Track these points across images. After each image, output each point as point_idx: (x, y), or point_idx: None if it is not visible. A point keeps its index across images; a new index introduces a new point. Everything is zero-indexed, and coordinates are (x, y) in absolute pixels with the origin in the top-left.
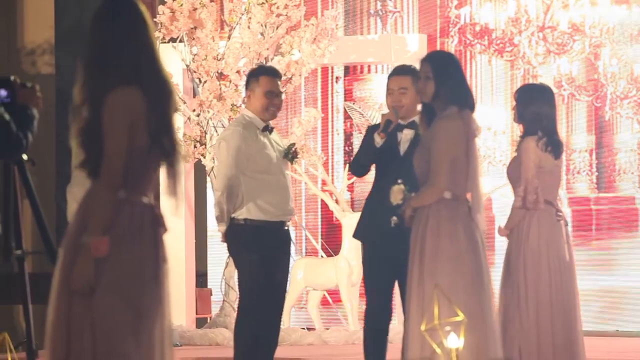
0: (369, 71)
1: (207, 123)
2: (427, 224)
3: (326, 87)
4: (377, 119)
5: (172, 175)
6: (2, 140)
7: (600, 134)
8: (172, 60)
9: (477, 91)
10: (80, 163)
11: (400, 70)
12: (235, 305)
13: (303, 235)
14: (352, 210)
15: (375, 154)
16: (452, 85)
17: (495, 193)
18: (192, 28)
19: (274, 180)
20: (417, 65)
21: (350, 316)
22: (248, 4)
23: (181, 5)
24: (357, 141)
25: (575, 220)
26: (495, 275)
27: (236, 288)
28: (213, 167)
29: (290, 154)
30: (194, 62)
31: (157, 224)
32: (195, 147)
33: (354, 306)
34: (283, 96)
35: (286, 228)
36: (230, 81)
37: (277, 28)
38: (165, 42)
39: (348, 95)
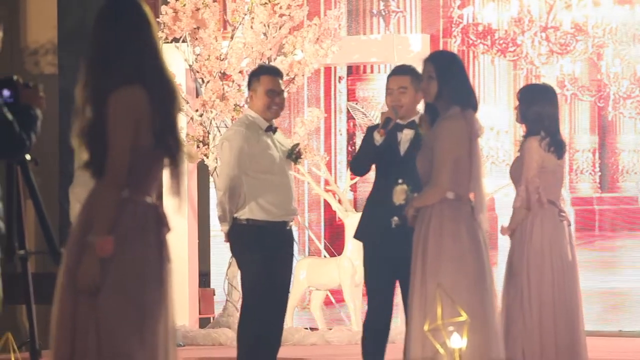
0: (371, 71)
1: (210, 123)
2: (429, 223)
3: (329, 87)
4: (379, 119)
5: (176, 175)
6: (5, 141)
7: (603, 134)
8: (175, 60)
9: (480, 91)
10: (84, 163)
11: (400, 70)
12: (238, 305)
13: (306, 235)
14: (355, 210)
15: (375, 153)
16: (455, 85)
17: (498, 193)
18: (194, 28)
19: (276, 180)
20: (420, 66)
21: (353, 316)
22: (251, 4)
23: (184, 5)
24: (359, 141)
25: (578, 220)
26: (498, 275)
27: (239, 288)
28: (216, 167)
29: (294, 154)
30: (196, 62)
31: (160, 224)
32: (198, 147)
33: (357, 306)
34: (285, 95)
35: (289, 228)
36: (233, 81)
37: (279, 28)
38: (168, 42)
39: (351, 95)
